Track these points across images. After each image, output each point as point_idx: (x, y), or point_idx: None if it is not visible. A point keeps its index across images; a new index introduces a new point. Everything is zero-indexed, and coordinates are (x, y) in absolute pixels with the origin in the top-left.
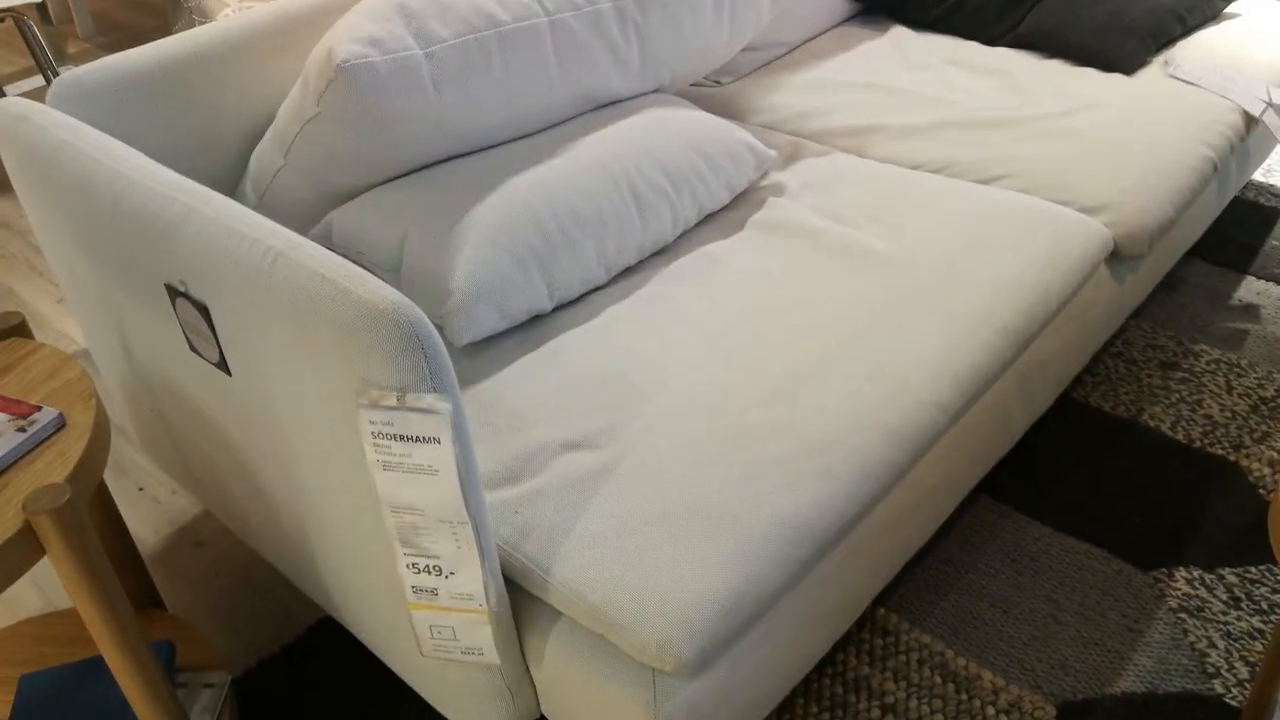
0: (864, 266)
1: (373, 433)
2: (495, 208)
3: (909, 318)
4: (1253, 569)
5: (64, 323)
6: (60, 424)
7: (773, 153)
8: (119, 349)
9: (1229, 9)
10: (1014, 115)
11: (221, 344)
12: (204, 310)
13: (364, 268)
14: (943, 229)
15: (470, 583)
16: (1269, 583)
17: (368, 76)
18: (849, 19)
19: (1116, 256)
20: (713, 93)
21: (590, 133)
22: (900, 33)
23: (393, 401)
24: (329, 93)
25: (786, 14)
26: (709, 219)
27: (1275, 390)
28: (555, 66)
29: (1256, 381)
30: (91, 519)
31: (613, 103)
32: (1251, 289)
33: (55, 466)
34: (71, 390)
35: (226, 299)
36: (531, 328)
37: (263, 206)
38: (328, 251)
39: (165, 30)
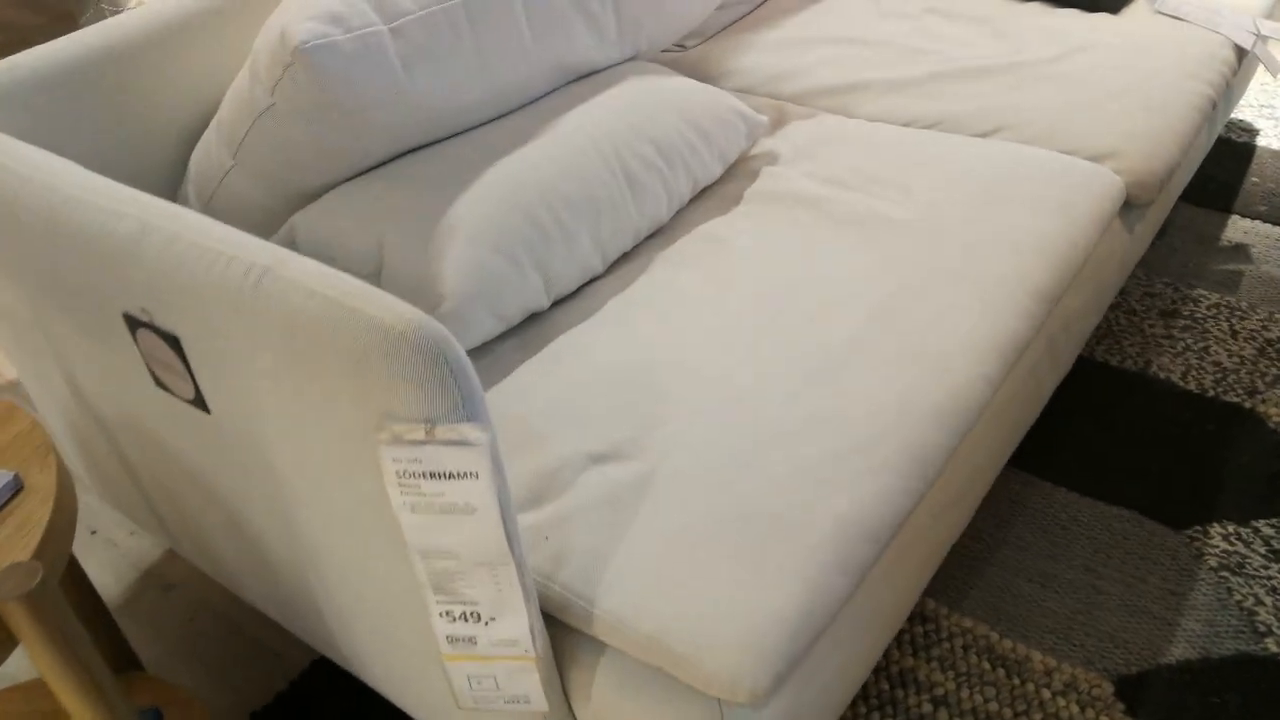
0: (877, 235)
1: (397, 472)
2: (480, 199)
3: (937, 288)
4: None
5: None
6: (16, 487)
7: (763, 118)
8: (63, 386)
9: None
10: (1004, 63)
11: (197, 379)
12: (173, 341)
13: None
14: (951, 189)
15: (514, 628)
16: None
17: (330, 58)
18: None
19: (1126, 204)
20: (680, 58)
21: (572, 108)
22: None
23: (420, 435)
24: (286, 80)
25: None
26: (702, 195)
27: None
28: (528, 36)
29: (1260, 324)
30: None
31: (590, 74)
32: (1239, 228)
33: (17, 540)
34: (24, 445)
35: (201, 327)
36: (528, 329)
37: (209, 213)
38: (322, 265)
39: (59, 26)
